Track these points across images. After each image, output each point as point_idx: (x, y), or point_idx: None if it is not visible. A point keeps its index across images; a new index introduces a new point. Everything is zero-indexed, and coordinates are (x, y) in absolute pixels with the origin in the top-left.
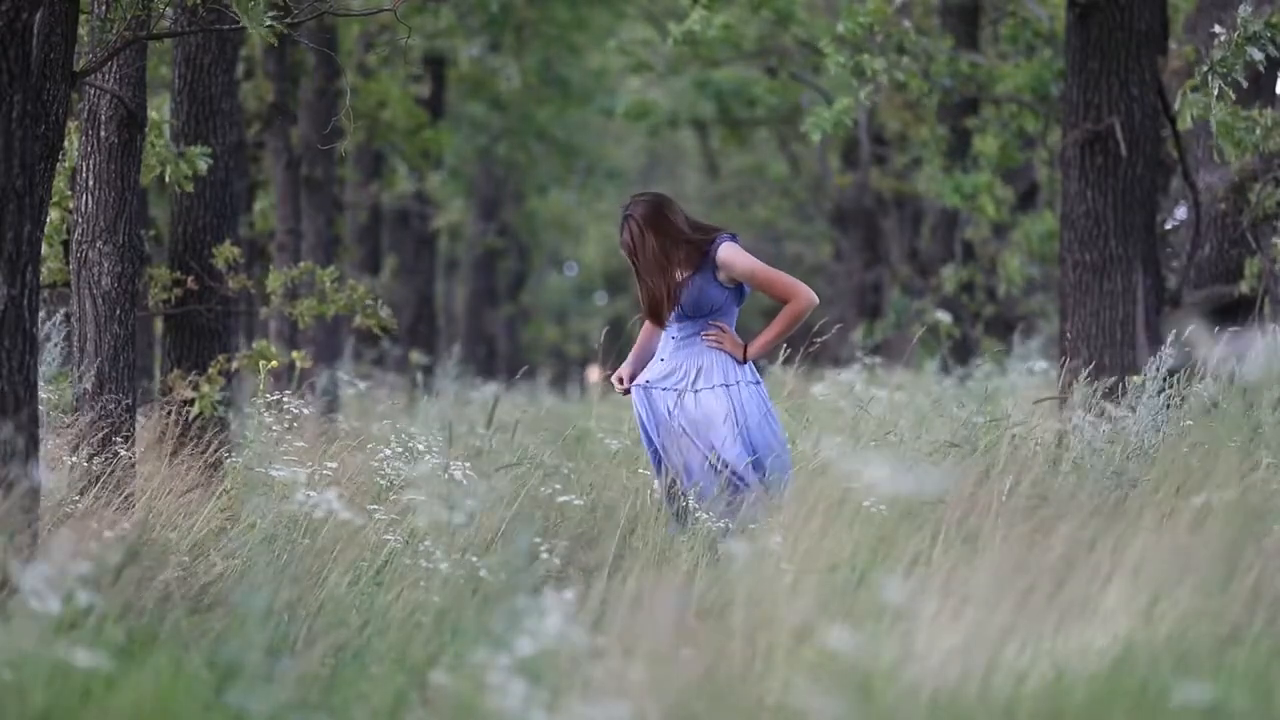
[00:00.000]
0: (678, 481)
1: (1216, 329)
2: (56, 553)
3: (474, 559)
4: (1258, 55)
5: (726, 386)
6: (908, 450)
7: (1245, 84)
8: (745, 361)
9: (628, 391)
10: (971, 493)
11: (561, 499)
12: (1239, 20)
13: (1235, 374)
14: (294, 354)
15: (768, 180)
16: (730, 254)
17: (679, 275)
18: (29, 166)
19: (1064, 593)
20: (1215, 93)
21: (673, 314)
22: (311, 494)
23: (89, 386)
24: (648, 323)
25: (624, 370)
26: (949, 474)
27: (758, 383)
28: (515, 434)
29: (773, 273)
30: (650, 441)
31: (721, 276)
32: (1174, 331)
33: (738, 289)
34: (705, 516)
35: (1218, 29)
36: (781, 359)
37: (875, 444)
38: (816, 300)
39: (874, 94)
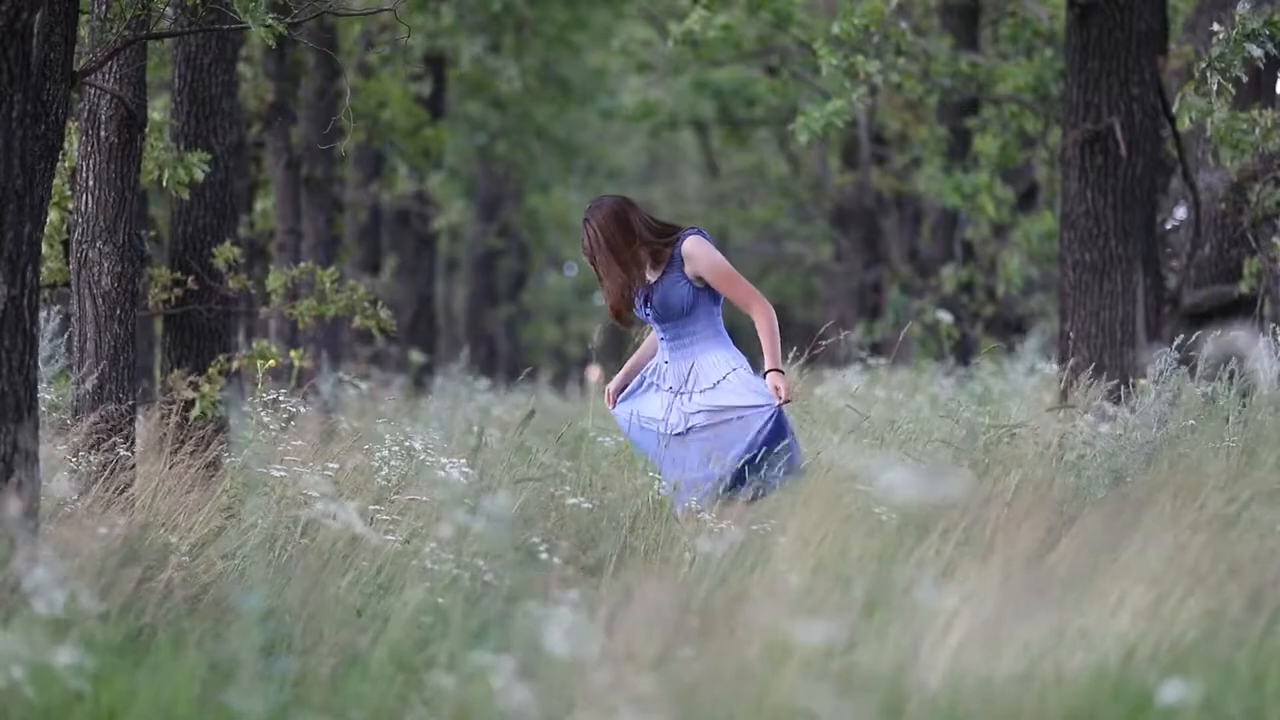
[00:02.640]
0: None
1: (1216, 329)
2: (57, 553)
3: (479, 561)
4: (1256, 52)
5: (725, 378)
6: (909, 451)
7: (1245, 79)
8: (782, 373)
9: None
10: (975, 494)
11: (570, 501)
12: (1238, 18)
13: (1235, 374)
14: (293, 353)
15: (768, 180)
16: (693, 247)
17: (648, 277)
18: (29, 166)
19: (1065, 593)
20: (1215, 89)
21: (651, 316)
22: (316, 495)
23: (89, 387)
24: (652, 334)
25: (614, 384)
26: (959, 477)
27: (736, 368)
28: (528, 440)
29: (735, 276)
30: (642, 442)
31: (688, 271)
32: (1173, 332)
33: (709, 287)
34: (708, 518)
35: (1217, 27)
36: (789, 359)
37: (876, 445)
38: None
39: (868, 96)
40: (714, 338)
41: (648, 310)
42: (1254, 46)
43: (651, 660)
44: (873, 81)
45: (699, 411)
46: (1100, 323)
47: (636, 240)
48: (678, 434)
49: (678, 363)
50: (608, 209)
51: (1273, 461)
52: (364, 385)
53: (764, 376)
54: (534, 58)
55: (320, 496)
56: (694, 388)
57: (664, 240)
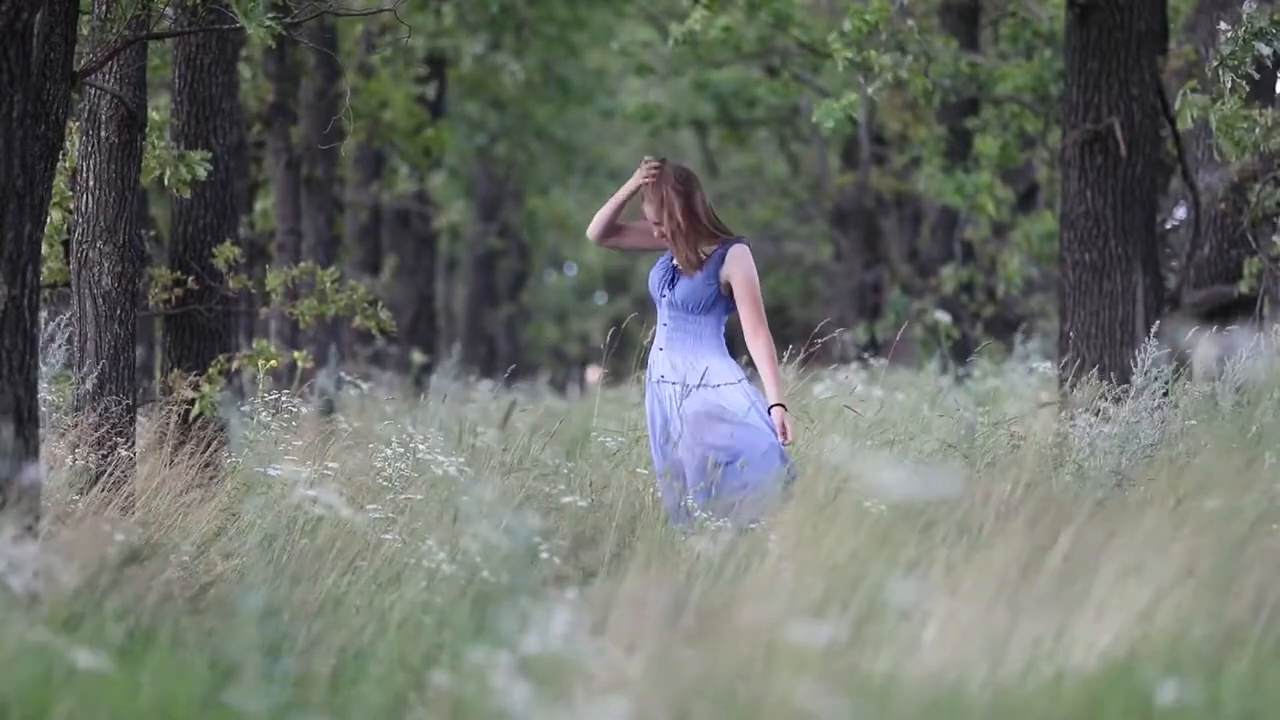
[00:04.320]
0: (681, 477)
1: (1216, 329)
2: (57, 552)
3: (476, 559)
4: (1266, 50)
5: (716, 387)
6: (908, 451)
7: (1257, 77)
8: (785, 408)
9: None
10: (973, 493)
11: (565, 499)
12: (1245, 16)
13: (1234, 374)
14: (296, 354)
15: (767, 180)
16: (743, 254)
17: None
18: (29, 166)
19: (1064, 593)
20: (1228, 86)
21: (664, 299)
22: (302, 486)
23: (89, 387)
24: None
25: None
26: (954, 476)
27: (740, 380)
28: (529, 440)
29: (759, 300)
30: (654, 436)
31: (722, 274)
32: (1174, 332)
33: (730, 296)
34: (703, 516)
35: (1224, 25)
36: (785, 359)
37: (875, 444)
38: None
39: (882, 89)
40: (715, 345)
41: (665, 291)
42: (1263, 45)
43: (649, 660)
44: (884, 76)
45: (698, 411)
46: (1100, 323)
47: (702, 218)
48: (676, 442)
49: (673, 353)
50: (687, 174)
51: (1273, 461)
52: (365, 386)
53: (769, 410)
54: (534, 58)
55: (305, 486)
56: (691, 381)
57: (716, 231)
